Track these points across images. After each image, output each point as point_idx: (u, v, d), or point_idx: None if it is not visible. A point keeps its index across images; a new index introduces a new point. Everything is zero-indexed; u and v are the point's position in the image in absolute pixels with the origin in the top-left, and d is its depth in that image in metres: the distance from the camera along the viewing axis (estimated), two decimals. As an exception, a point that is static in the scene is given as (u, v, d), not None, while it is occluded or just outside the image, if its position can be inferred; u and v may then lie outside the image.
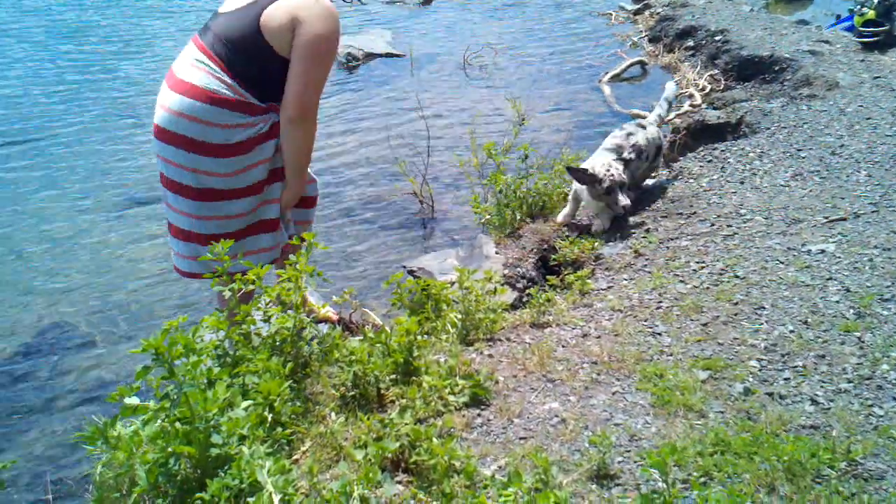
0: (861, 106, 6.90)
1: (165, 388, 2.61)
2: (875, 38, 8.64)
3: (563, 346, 3.76)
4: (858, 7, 9.05)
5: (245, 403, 2.66)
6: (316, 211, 4.28)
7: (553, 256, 5.14)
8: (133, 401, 2.58)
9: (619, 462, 2.84)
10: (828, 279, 4.17)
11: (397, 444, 2.68)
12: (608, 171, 5.12)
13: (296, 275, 3.20)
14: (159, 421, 2.53)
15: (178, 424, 2.49)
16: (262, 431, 2.64)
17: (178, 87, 3.50)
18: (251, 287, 3.19)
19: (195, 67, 3.48)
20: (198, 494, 2.30)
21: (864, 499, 2.60)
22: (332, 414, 3.06)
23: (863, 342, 3.58)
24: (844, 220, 4.82)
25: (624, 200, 5.16)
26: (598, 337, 3.83)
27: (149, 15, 13.07)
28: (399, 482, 2.69)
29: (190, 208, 3.64)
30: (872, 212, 4.93)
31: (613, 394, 3.30)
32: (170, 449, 2.44)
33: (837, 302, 3.95)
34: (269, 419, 2.79)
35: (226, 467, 2.41)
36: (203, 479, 2.45)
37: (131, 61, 10.77)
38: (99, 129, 8.47)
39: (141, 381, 2.59)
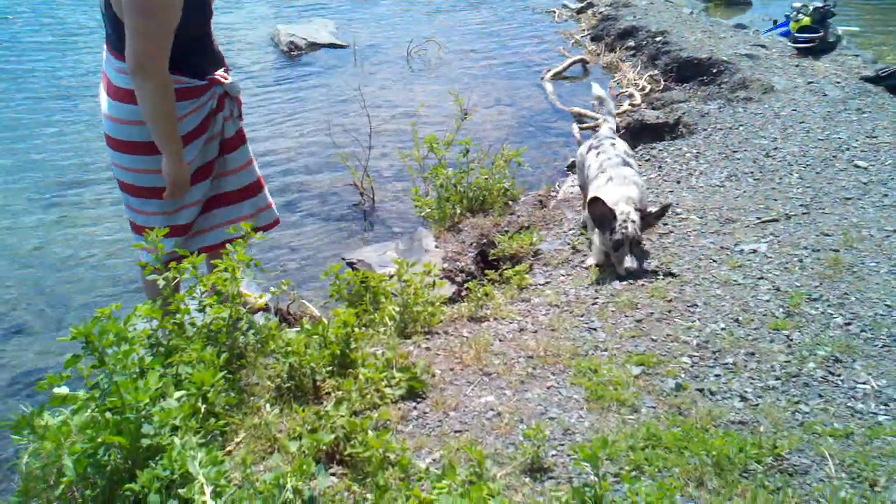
0: (795, 110, 7.06)
1: (96, 377, 2.56)
2: (810, 45, 8.86)
3: (500, 341, 3.78)
4: (794, 13, 9.27)
5: (178, 394, 2.62)
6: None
7: (492, 251, 5.17)
8: (62, 390, 2.52)
9: (553, 455, 2.87)
10: (759, 278, 4.26)
11: (332, 437, 2.67)
12: (624, 222, 4.29)
13: (232, 265, 3.16)
14: (89, 410, 2.48)
15: (108, 414, 2.44)
16: (194, 422, 2.60)
17: (106, 88, 3.46)
18: (186, 276, 3.15)
19: (110, 67, 3.43)
20: (127, 485, 2.26)
21: (788, 493, 2.66)
22: (267, 405, 3.03)
23: (791, 340, 3.67)
24: (776, 220, 4.94)
25: (629, 263, 4.34)
26: (535, 331, 3.87)
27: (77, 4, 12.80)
28: (333, 474, 2.69)
29: (154, 207, 3.62)
30: (803, 213, 5.05)
31: (548, 388, 3.33)
32: (99, 439, 2.39)
33: (768, 301, 4.04)
34: (203, 410, 2.75)
35: (157, 458, 2.38)
36: (133, 469, 2.40)
37: (63, 48, 10.53)
38: (30, 114, 8.26)
39: (70, 369, 2.54)
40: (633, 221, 4.29)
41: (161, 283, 3.10)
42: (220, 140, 3.66)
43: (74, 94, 8.77)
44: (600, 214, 4.28)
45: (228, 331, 3.21)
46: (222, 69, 3.62)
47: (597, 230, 4.51)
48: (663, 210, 4.44)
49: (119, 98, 3.39)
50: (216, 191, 3.76)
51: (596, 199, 4.25)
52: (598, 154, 4.90)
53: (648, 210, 4.41)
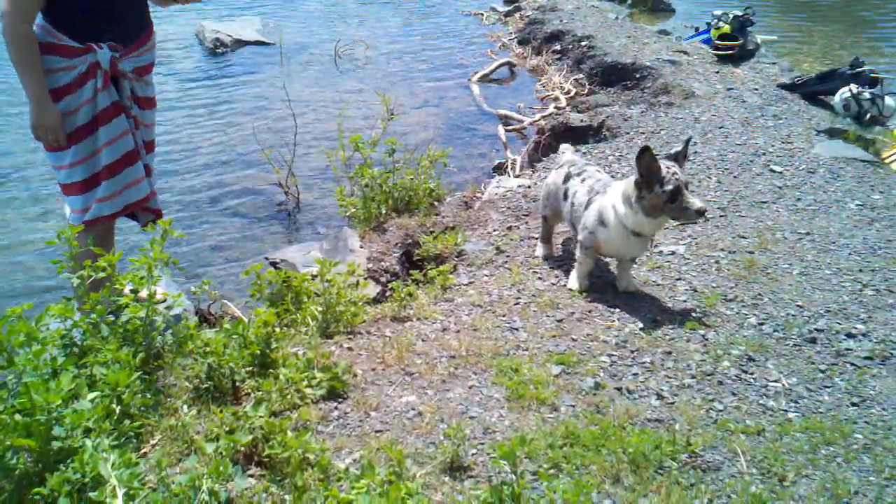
0: (714, 115, 7.24)
1: (5, 378, 2.50)
2: (730, 52, 9.09)
3: (422, 340, 3.79)
4: (715, 21, 9.52)
5: (91, 395, 2.57)
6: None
7: (417, 251, 5.16)
8: (-31, 392, 2.45)
9: (473, 454, 2.89)
10: (677, 279, 4.36)
11: (250, 437, 2.64)
12: (668, 169, 3.86)
13: (149, 263, 3.11)
14: (-3, 413, 2.42)
15: (17, 416, 2.38)
16: (108, 424, 2.55)
17: None
18: (102, 274, 3.09)
19: None
20: (36, 489, 2.21)
21: (702, 488, 2.73)
22: (185, 406, 2.99)
23: (707, 340, 3.76)
24: (695, 223, 5.04)
25: (697, 201, 3.87)
26: (458, 331, 3.88)
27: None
28: (251, 476, 2.66)
29: (50, 160, 3.83)
30: (721, 216, 5.18)
31: (470, 387, 3.35)
32: (8, 442, 2.33)
33: (685, 301, 4.13)
34: (118, 411, 2.70)
35: (68, 461, 2.32)
36: (44, 473, 2.35)
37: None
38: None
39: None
40: (675, 166, 3.92)
41: (75, 281, 3.04)
42: (93, 110, 3.68)
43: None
44: (647, 167, 3.84)
45: (145, 331, 3.16)
46: (115, 42, 3.69)
47: (625, 217, 3.99)
48: (686, 146, 4.10)
49: None
50: (96, 166, 3.79)
51: (646, 149, 3.84)
52: (583, 180, 4.42)
53: (675, 150, 4.09)
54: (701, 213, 3.86)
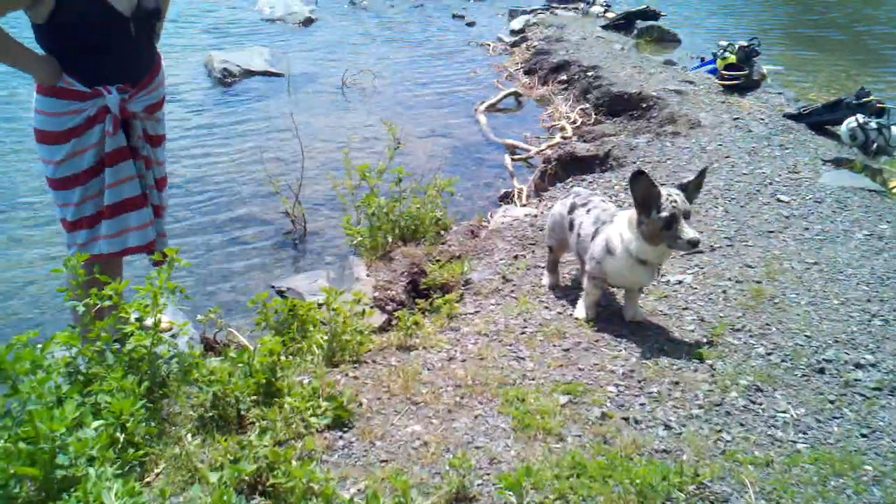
0: (720, 145, 7.24)
1: (10, 406, 2.49)
2: (736, 82, 9.12)
3: (428, 369, 3.77)
4: (721, 51, 9.56)
5: (96, 423, 2.56)
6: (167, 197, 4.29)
7: (423, 280, 5.16)
8: (-28, 420, 2.45)
9: (479, 485, 2.86)
10: (684, 309, 4.34)
11: (255, 467, 2.63)
12: (669, 196, 3.77)
13: (154, 291, 3.11)
14: (1, 441, 2.41)
15: (21, 444, 2.37)
16: (112, 452, 2.54)
17: None
18: (107, 303, 3.09)
19: None
20: (39, 518, 2.20)
21: (709, 520, 2.71)
22: (189, 435, 2.97)
23: (714, 370, 3.73)
24: (701, 252, 5.03)
25: (690, 231, 3.76)
26: (464, 360, 3.86)
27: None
28: (255, 505, 2.64)
29: (54, 198, 3.83)
30: (728, 246, 5.17)
31: (476, 417, 3.33)
32: (11, 470, 2.32)
33: (692, 331, 4.11)
34: (122, 440, 2.70)
35: (72, 490, 2.31)
36: (47, 502, 2.34)
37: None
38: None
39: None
40: (679, 195, 3.80)
41: (80, 309, 3.04)
42: (100, 153, 3.71)
43: None
44: (644, 192, 3.77)
45: (150, 359, 3.15)
46: (124, 83, 3.70)
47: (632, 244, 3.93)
48: (701, 175, 3.99)
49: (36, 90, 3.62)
50: (100, 205, 3.81)
51: (640, 172, 3.75)
52: (588, 211, 4.36)
53: (688, 180, 3.97)
54: (693, 244, 3.75)
